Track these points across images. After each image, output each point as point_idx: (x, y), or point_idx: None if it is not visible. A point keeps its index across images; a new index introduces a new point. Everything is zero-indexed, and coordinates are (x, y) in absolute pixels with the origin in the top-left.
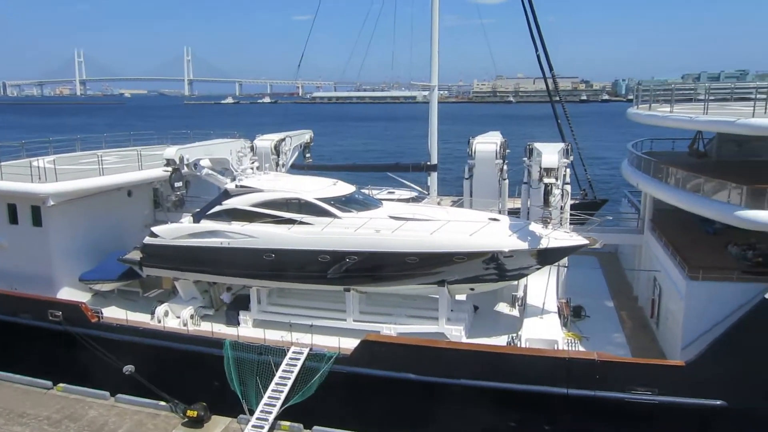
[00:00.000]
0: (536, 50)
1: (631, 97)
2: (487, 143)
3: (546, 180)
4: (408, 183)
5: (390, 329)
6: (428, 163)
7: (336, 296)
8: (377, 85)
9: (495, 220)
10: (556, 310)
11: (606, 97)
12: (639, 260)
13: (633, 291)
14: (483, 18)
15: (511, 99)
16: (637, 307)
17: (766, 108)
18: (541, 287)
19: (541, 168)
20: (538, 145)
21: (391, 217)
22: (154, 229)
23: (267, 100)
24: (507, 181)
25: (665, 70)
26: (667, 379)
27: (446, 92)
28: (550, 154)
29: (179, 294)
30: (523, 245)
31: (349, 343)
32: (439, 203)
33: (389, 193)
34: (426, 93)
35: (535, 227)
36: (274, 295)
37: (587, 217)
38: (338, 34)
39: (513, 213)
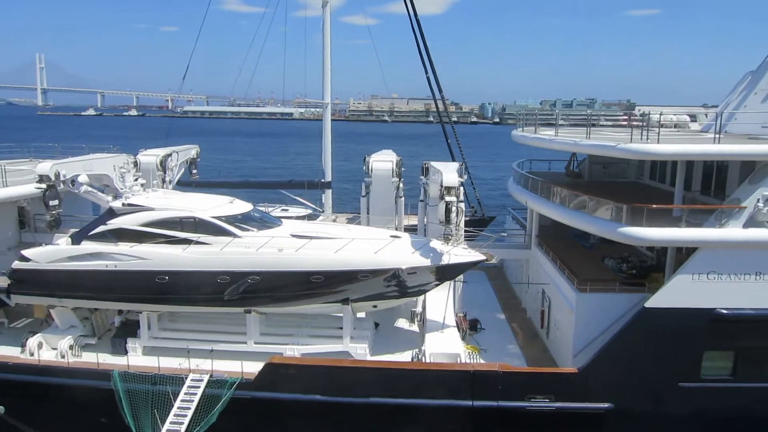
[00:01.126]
0: (426, 73)
1: (496, 119)
2: (384, 161)
3: (447, 198)
4: (302, 200)
5: (293, 350)
6: (323, 180)
7: (235, 318)
8: (252, 101)
9: (397, 237)
10: (455, 324)
11: (474, 119)
12: (527, 274)
13: (521, 303)
14: (358, 39)
15: (387, 118)
16: (526, 318)
17: (642, 134)
18: (439, 302)
19: (442, 186)
20: (435, 164)
21: (294, 236)
22: (25, 252)
23: (134, 112)
24: (403, 198)
25: (525, 96)
26: (562, 385)
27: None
28: (450, 173)
29: (55, 323)
30: (426, 262)
31: (252, 367)
32: (334, 221)
33: (283, 210)
34: (303, 110)
35: (436, 244)
36: (165, 319)
37: (486, 234)
38: (212, 49)
39: (409, 230)
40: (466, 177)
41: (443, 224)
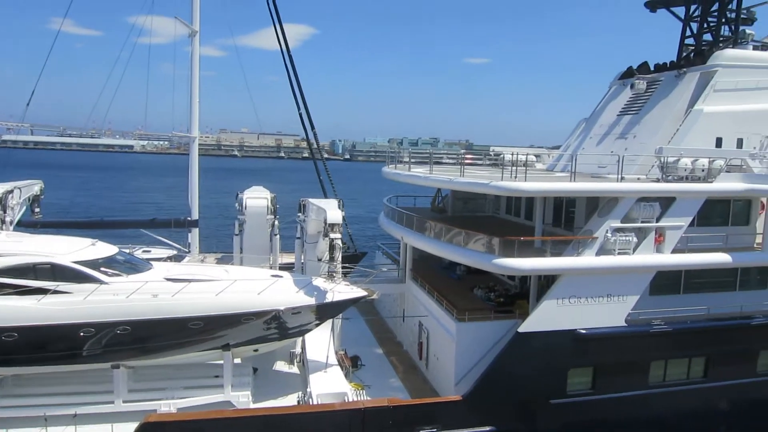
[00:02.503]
0: (299, 109)
1: (347, 156)
2: (258, 198)
3: (332, 235)
4: (166, 240)
5: (169, 405)
6: (189, 218)
7: (101, 375)
8: (86, 131)
9: (278, 277)
10: (337, 362)
11: (325, 155)
12: (401, 307)
13: (396, 337)
14: (204, 70)
15: (236, 153)
16: (403, 351)
17: (512, 173)
18: (318, 341)
19: (326, 224)
20: (314, 201)
21: (168, 279)
22: None
23: None
24: (278, 236)
25: (374, 133)
26: (448, 414)
27: (166, 143)
28: (334, 210)
29: None
30: (311, 300)
31: (124, 429)
32: (202, 261)
33: (144, 252)
34: (144, 143)
35: (319, 282)
36: (9, 384)
37: (367, 269)
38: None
39: (285, 269)
40: (344, 213)
41: (326, 262)
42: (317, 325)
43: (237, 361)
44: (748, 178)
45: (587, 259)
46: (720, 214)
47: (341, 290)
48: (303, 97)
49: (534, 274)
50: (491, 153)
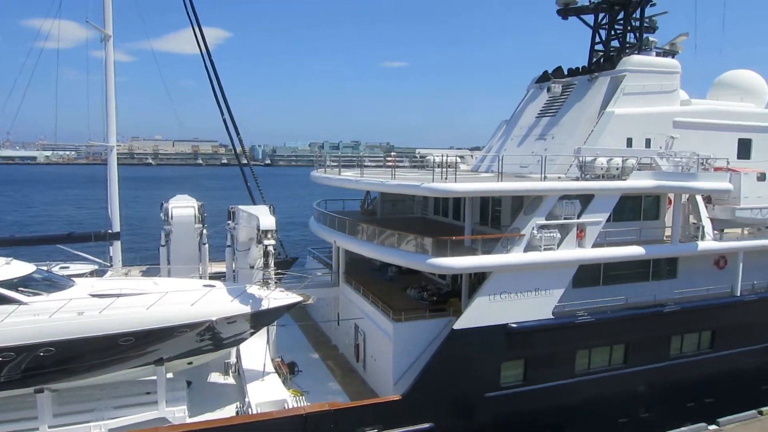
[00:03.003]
0: (222, 115)
1: (268, 161)
2: (185, 207)
3: (266, 242)
4: (84, 255)
5: (100, 427)
6: (110, 231)
7: (22, 401)
8: None
9: (211, 286)
10: (274, 369)
11: (244, 161)
12: (335, 311)
13: (331, 341)
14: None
15: (151, 161)
16: (339, 355)
17: (443, 175)
18: (253, 350)
19: (259, 230)
20: (244, 208)
21: (94, 296)
22: None
23: None
24: (207, 245)
25: (295, 138)
26: (388, 414)
27: (74, 153)
28: (267, 216)
29: None
30: (247, 309)
31: None
32: (126, 275)
33: (62, 268)
34: (49, 153)
35: (254, 289)
36: None
37: (304, 274)
38: None
39: (215, 278)
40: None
41: (259, 269)
42: (252, 333)
43: (169, 375)
44: (658, 176)
45: (516, 256)
46: (632, 210)
47: (277, 297)
48: (226, 102)
49: (466, 272)
50: (417, 155)
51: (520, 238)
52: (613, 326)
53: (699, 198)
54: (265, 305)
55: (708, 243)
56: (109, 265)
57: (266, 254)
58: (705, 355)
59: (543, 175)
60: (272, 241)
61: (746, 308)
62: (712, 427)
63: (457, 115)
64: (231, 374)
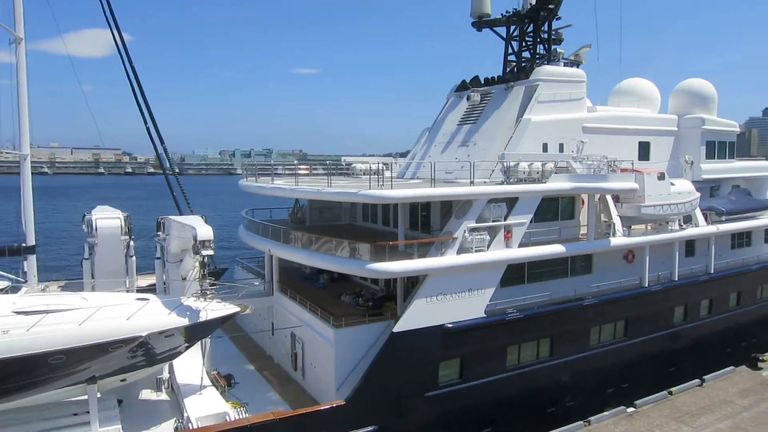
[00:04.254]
0: (145, 123)
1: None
2: (110, 218)
3: (204, 252)
4: None
5: None
6: (24, 244)
7: None
8: None
9: (144, 299)
10: (211, 383)
11: (151, 170)
12: (270, 321)
13: (266, 351)
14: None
15: (47, 170)
16: (275, 365)
17: (379, 182)
18: (186, 364)
19: (196, 240)
20: (176, 218)
21: (19, 313)
22: None
23: None
24: (134, 257)
25: (205, 145)
26: (333, 419)
27: None
28: (203, 226)
29: None
30: (185, 321)
31: None
32: (43, 290)
33: None
34: None
35: (191, 301)
36: None
37: (240, 284)
38: None
39: (143, 291)
40: None
41: (192, 280)
42: (188, 347)
43: (98, 395)
44: (574, 178)
45: (450, 258)
46: (551, 211)
47: (214, 308)
48: (149, 109)
49: (404, 276)
50: (343, 163)
51: (453, 241)
52: (539, 321)
53: (609, 197)
54: (203, 317)
55: (619, 239)
56: (23, 281)
57: (203, 265)
58: (620, 343)
59: (472, 180)
60: (210, 252)
61: (654, 297)
62: (630, 409)
63: (370, 123)
64: (164, 390)
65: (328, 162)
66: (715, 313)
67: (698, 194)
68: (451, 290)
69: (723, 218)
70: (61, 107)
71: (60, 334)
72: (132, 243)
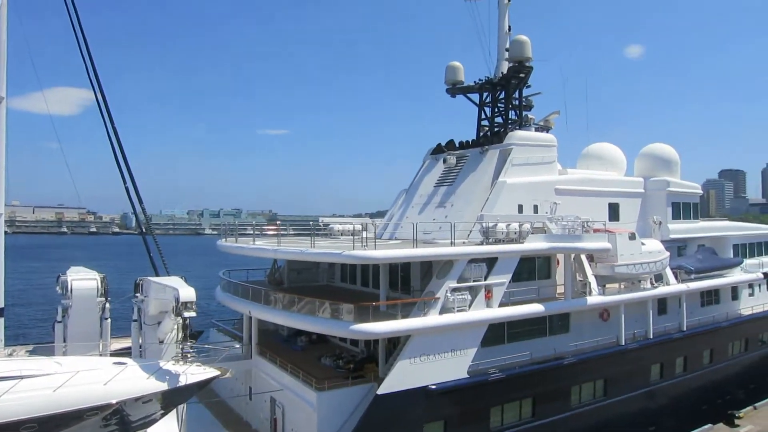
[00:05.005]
0: (125, 183)
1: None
2: (86, 279)
3: (186, 313)
4: None
5: None
6: None
7: None
8: None
9: (122, 363)
10: None
11: (116, 229)
12: (247, 385)
13: (243, 417)
14: None
15: (6, 230)
16: (253, 430)
17: (363, 243)
18: (161, 430)
19: (178, 302)
20: (156, 280)
21: None
22: None
23: None
24: (109, 320)
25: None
26: None
27: None
28: (185, 287)
29: None
30: (164, 385)
31: None
32: (10, 355)
33: None
34: None
35: (170, 365)
36: None
37: (219, 348)
38: None
39: (117, 355)
40: None
41: (170, 343)
42: (165, 413)
43: None
44: (550, 238)
45: (433, 318)
46: (529, 270)
47: (194, 372)
48: (129, 168)
49: (387, 337)
50: (320, 224)
51: (435, 301)
52: (521, 381)
53: (583, 257)
54: (183, 381)
55: (595, 297)
56: None
57: (185, 327)
58: (600, 403)
59: (452, 241)
60: (193, 313)
61: (631, 355)
62: None
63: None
64: None
65: (311, 222)
66: (689, 371)
67: (668, 253)
68: (434, 351)
69: (692, 276)
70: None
71: (34, 401)
72: (108, 305)
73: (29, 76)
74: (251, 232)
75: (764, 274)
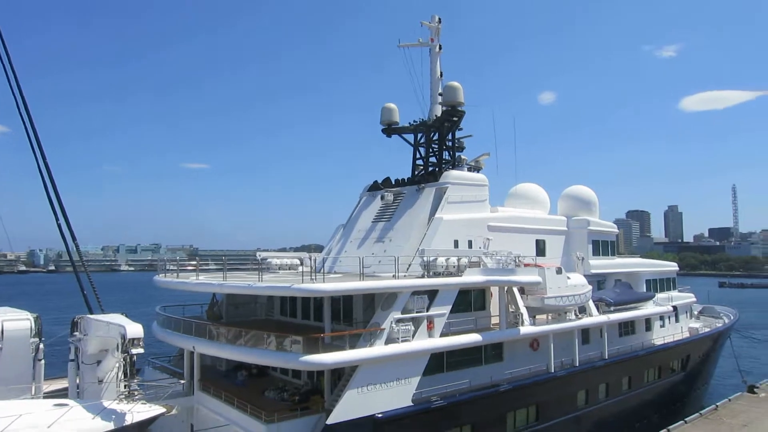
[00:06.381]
0: (57, 219)
1: (52, 267)
2: (19, 320)
3: (134, 350)
4: None
5: None
6: None
7: None
8: None
9: (63, 405)
10: None
11: (24, 267)
12: (189, 422)
13: None
14: None
15: None
16: None
17: (314, 276)
18: None
19: (125, 339)
20: (96, 317)
21: None
22: None
23: None
24: (43, 361)
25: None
26: None
27: None
28: (132, 324)
29: None
30: (111, 426)
31: None
32: None
33: None
34: None
35: (114, 404)
36: None
37: (160, 383)
38: None
39: (51, 397)
40: None
41: (122, 380)
42: None
43: None
44: (486, 272)
45: (380, 349)
46: (465, 302)
47: (140, 410)
48: (61, 205)
49: (336, 367)
50: (258, 258)
51: (381, 332)
52: (463, 408)
53: (515, 289)
54: (130, 419)
55: (527, 328)
56: None
57: (132, 364)
58: (533, 428)
59: (395, 274)
60: (140, 350)
61: (560, 382)
62: None
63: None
64: None
65: (258, 254)
66: (611, 396)
67: (590, 287)
68: (381, 380)
69: (611, 309)
70: None
71: None
72: (41, 346)
73: None
74: (173, 267)
75: (673, 307)
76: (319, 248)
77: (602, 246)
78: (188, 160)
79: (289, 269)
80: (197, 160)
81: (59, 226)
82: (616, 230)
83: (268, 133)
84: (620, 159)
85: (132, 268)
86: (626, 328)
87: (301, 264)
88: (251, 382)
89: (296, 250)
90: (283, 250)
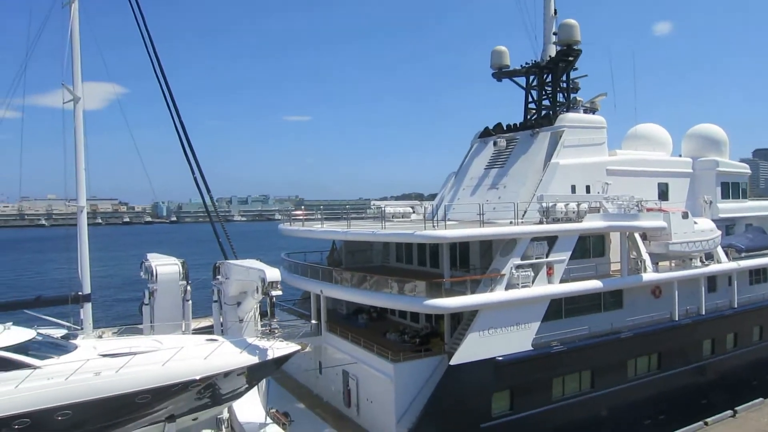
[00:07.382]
0: (193, 174)
1: (174, 218)
2: (170, 264)
3: (273, 292)
4: (50, 319)
5: None
6: (81, 293)
7: None
8: None
9: (214, 340)
10: (272, 420)
11: (149, 219)
12: (318, 359)
13: (313, 390)
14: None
15: (44, 222)
16: (324, 403)
17: (435, 223)
18: (244, 403)
19: (265, 282)
20: (238, 263)
21: (105, 356)
22: None
23: None
24: (190, 302)
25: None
26: None
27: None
28: (271, 268)
29: None
30: (255, 359)
31: None
32: (100, 336)
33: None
34: None
35: (257, 341)
36: None
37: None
38: None
39: (200, 334)
40: None
41: (258, 320)
42: (250, 387)
43: None
44: (607, 217)
45: (500, 294)
46: (585, 249)
47: (279, 347)
48: (195, 158)
49: (457, 311)
50: (372, 206)
51: (501, 278)
52: (582, 354)
53: (637, 235)
54: (270, 355)
55: (650, 275)
56: (79, 328)
57: (272, 305)
58: (655, 376)
59: (516, 221)
60: (279, 292)
61: (684, 331)
62: None
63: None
64: (224, 429)
65: (373, 203)
66: (740, 347)
67: (719, 232)
68: (501, 324)
69: (742, 255)
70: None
71: (147, 375)
72: (189, 288)
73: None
74: (279, 217)
75: None
76: (419, 197)
77: (732, 188)
78: (290, 113)
79: (402, 217)
80: (300, 112)
81: (195, 180)
82: (748, 171)
83: (368, 96)
84: (745, 95)
85: (244, 219)
86: (758, 276)
87: (414, 212)
88: (372, 324)
89: (397, 198)
90: (384, 198)
